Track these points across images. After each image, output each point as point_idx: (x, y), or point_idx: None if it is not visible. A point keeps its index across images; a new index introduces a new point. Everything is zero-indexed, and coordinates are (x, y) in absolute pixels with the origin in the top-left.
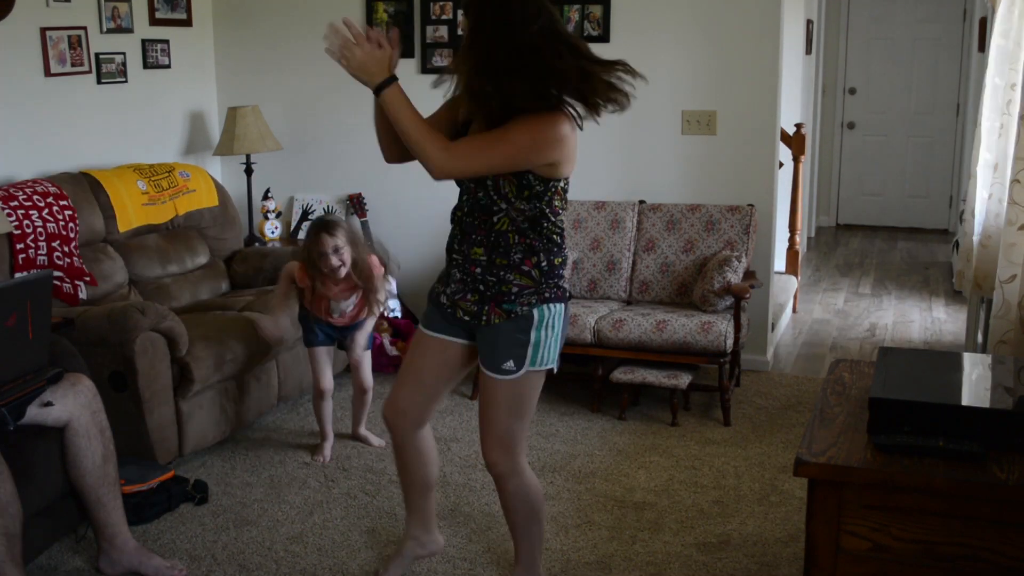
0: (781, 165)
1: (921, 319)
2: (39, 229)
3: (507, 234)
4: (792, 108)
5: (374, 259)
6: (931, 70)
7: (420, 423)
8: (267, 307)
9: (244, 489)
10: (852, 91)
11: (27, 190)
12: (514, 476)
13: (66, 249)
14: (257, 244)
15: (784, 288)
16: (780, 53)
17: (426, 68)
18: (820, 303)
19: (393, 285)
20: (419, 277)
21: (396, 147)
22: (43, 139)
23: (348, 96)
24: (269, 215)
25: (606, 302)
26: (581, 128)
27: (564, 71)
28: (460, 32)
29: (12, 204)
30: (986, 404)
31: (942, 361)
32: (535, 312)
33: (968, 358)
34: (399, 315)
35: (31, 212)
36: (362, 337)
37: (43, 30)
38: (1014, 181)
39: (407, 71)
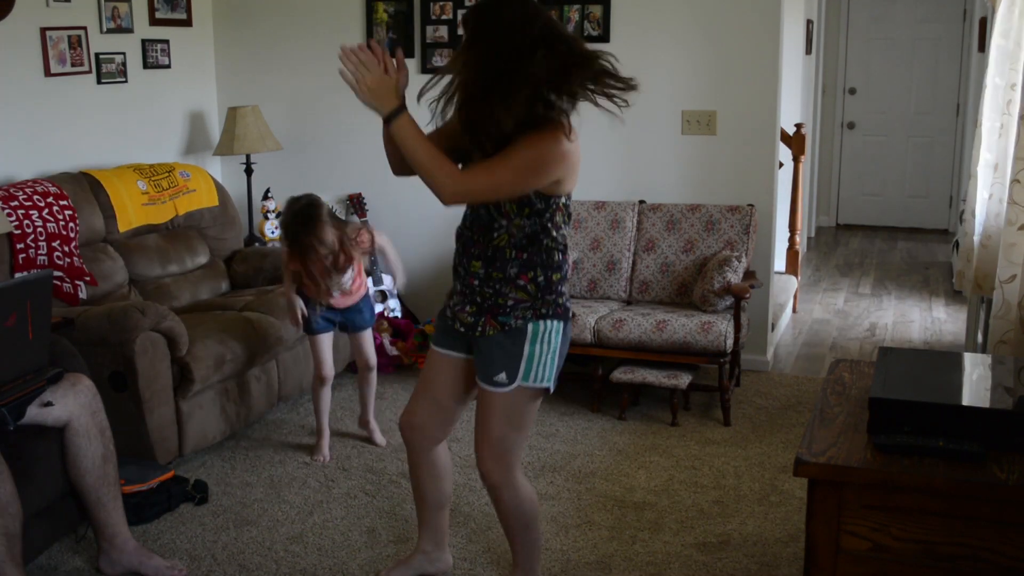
0: (781, 165)
1: (921, 319)
2: (39, 229)
3: (504, 249)
4: (792, 108)
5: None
6: (931, 70)
7: (436, 440)
8: (278, 304)
9: (244, 489)
10: (852, 91)
11: (27, 190)
12: (508, 488)
13: (66, 249)
14: (257, 244)
15: (784, 288)
16: (780, 53)
17: (426, 68)
18: (820, 303)
19: (393, 285)
20: (419, 277)
21: (405, 165)
22: (43, 139)
23: (348, 96)
24: (269, 215)
25: (606, 302)
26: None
27: (568, 66)
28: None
29: (12, 204)
30: (986, 404)
31: (942, 361)
32: (529, 326)
33: (968, 358)
34: (399, 315)
35: (31, 212)
36: (368, 315)
37: (43, 30)
38: (1014, 181)
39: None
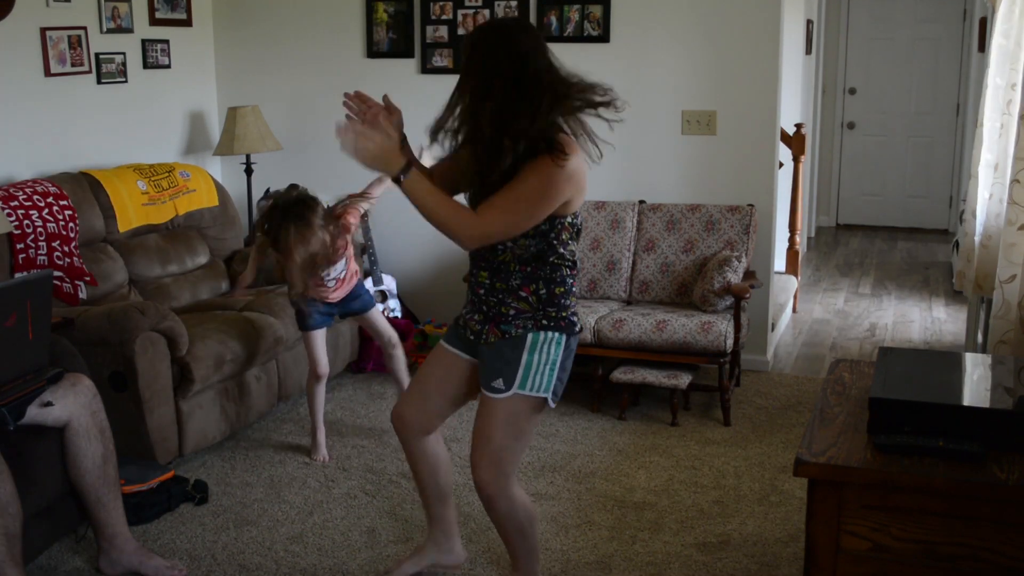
0: (781, 165)
1: (921, 319)
2: (39, 229)
3: (509, 264)
4: (792, 108)
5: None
6: (931, 70)
7: (423, 431)
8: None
9: (244, 489)
10: (852, 91)
11: (27, 190)
12: (502, 498)
13: (66, 249)
14: None
15: (784, 288)
16: (780, 53)
17: (426, 68)
18: (820, 303)
19: (392, 284)
20: (419, 277)
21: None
22: (43, 139)
23: None
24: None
25: (606, 302)
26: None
27: (562, 93)
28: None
29: (12, 204)
30: (986, 404)
31: (942, 361)
32: (529, 335)
33: (968, 358)
34: (399, 315)
35: (31, 212)
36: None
37: (43, 30)
38: (1014, 181)
39: (407, 71)
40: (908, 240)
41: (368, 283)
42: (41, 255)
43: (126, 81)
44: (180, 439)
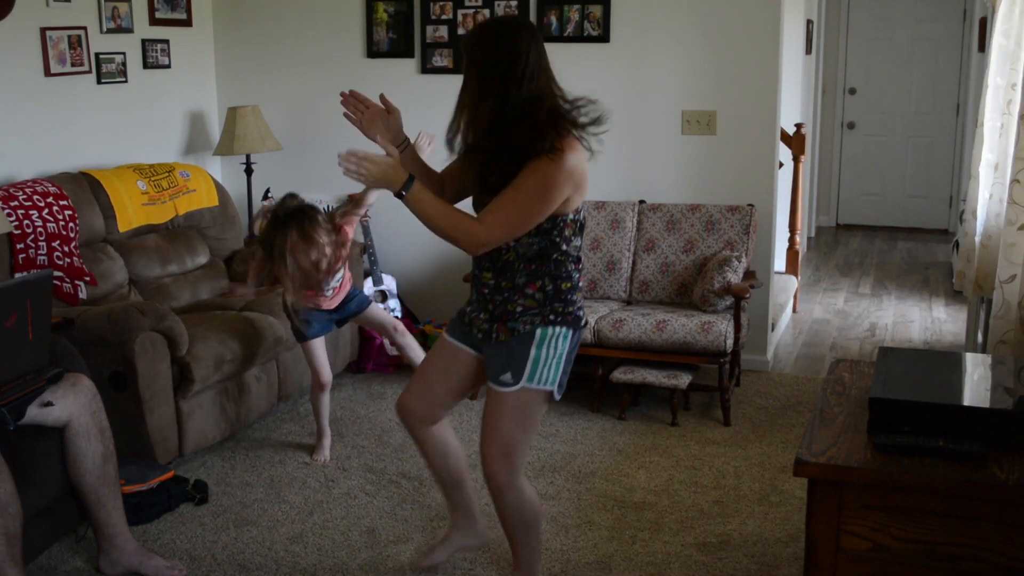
0: (781, 165)
1: (921, 319)
2: (39, 229)
3: (513, 263)
4: (792, 108)
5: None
6: (931, 70)
7: (428, 421)
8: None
9: (244, 489)
10: (852, 91)
11: (27, 190)
12: (511, 490)
13: (66, 249)
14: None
15: (784, 288)
16: (780, 53)
17: (426, 68)
18: (820, 303)
19: (392, 284)
20: (419, 277)
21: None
22: (43, 139)
23: None
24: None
25: (606, 302)
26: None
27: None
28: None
29: (12, 204)
30: (986, 404)
31: (942, 361)
32: (537, 331)
33: (968, 358)
34: (399, 315)
35: (31, 212)
36: (375, 313)
37: (43, 30)
38: (1014, 181)
39: (407, 71)
40: (908, 240)
41: (368, 283)
42: (41, 255)
43: (126, 81)
44: (180, 439)
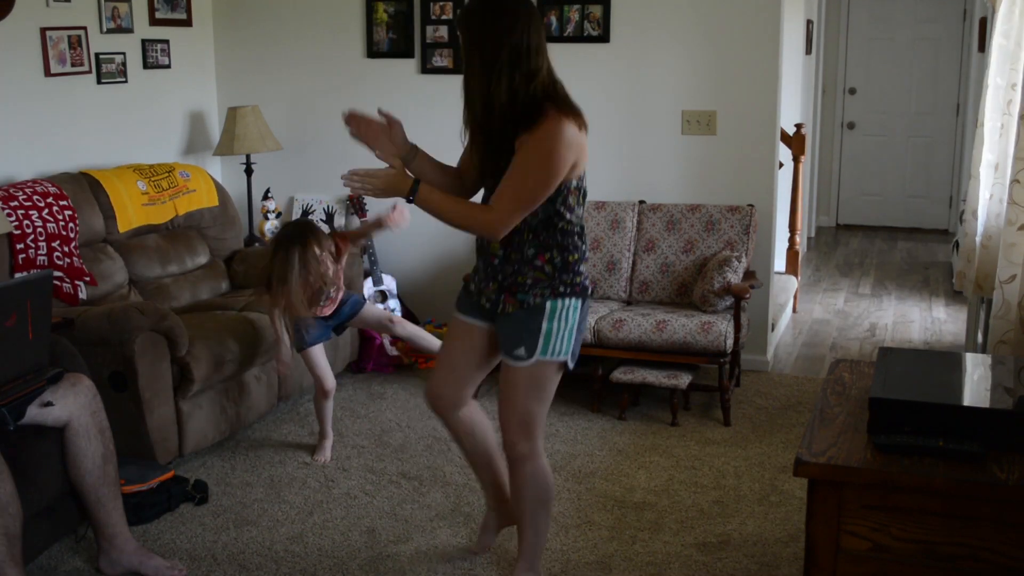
0: (781, 165)
1: (921, 319)
2: (39, 229)
3: (520, 232)
4: (792, 108)
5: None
6: (931, 70)
7: (458, 404)
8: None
9: (244, 489)
10: (852, 91)
11: (27, 190)
12: (531, 459)
13: (66, 249)
14: (257, 244)
15: (784, 288)
16: (780, 53)
17: (426, 68)
18: (820, 303)
19: (392, 284)
20: (419, 277)
21: (453, 191)
22: (43, 139)
23: (348, 96)
24: (269, 215)
25: (606, 302)
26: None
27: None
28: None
29: (12, 204)
30: (986, 404)
31: (942, 361)
32: (548, 303)
33: (968, 358)
34: (399, 314)
35: (31, 212)
36: (373, 314)
37: (43, 30)
38: (1014, 181)
39: (407, 71)
40: (908, 240)
41: (368, 283)
42: (41, 255)
43: (126, 81)
44: (180, 439)
